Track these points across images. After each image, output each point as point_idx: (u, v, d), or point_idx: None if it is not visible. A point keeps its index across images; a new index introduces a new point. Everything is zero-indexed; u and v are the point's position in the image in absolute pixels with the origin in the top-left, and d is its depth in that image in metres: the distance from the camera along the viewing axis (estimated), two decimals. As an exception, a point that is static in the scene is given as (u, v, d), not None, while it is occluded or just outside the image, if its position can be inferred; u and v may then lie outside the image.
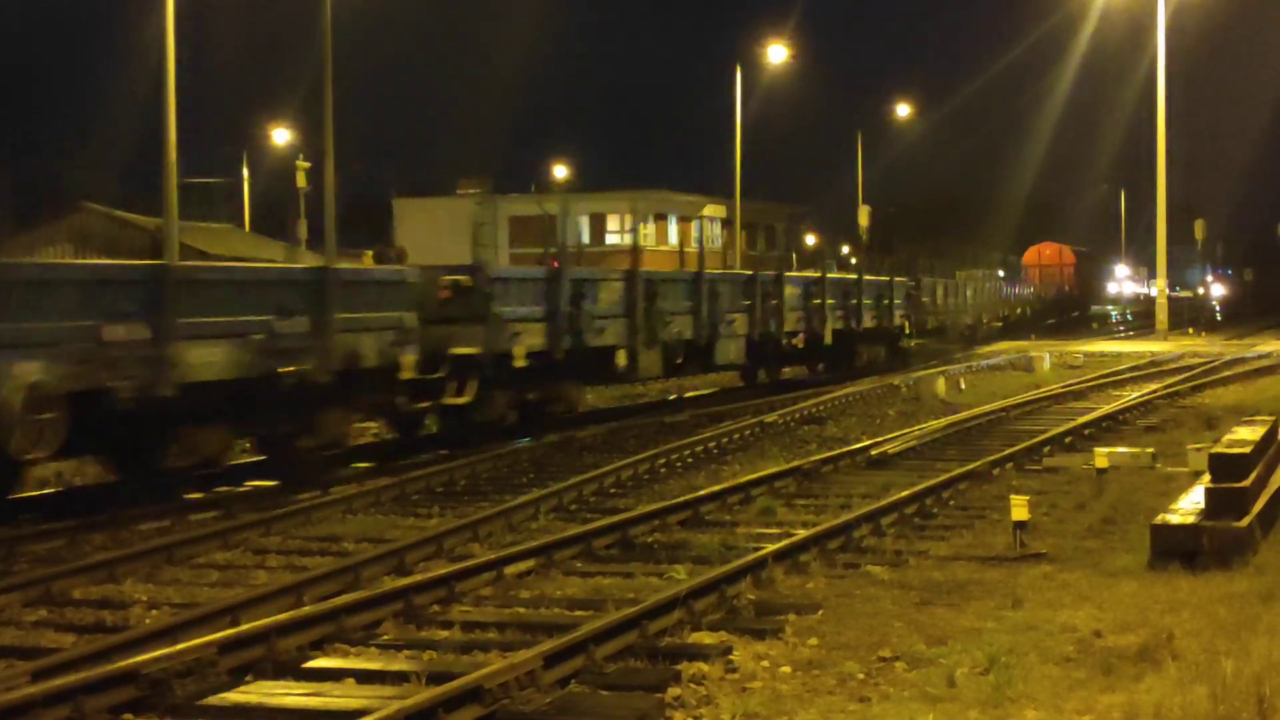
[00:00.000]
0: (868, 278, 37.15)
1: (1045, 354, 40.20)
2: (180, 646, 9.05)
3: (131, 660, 8.77)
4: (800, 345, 32.36)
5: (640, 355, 24.13)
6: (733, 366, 31.02)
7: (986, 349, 47.76)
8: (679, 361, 27.04)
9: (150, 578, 12.48)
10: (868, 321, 35.52)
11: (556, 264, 24.03)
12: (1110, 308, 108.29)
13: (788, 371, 35.04)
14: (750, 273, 29.36)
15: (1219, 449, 13.60)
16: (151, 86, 34.80)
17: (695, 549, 13.05)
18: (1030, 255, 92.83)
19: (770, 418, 24.06)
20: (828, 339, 32.27)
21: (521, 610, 10.93)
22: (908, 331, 40.02)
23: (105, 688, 8.42)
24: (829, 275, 32.87)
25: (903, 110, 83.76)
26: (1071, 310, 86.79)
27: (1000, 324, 59.60)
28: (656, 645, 9.59)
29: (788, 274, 31.44)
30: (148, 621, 10.59)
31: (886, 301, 37.27)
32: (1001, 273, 78.37)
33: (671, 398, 30.77)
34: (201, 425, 16.66)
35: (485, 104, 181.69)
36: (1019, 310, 68.78)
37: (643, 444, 21.32)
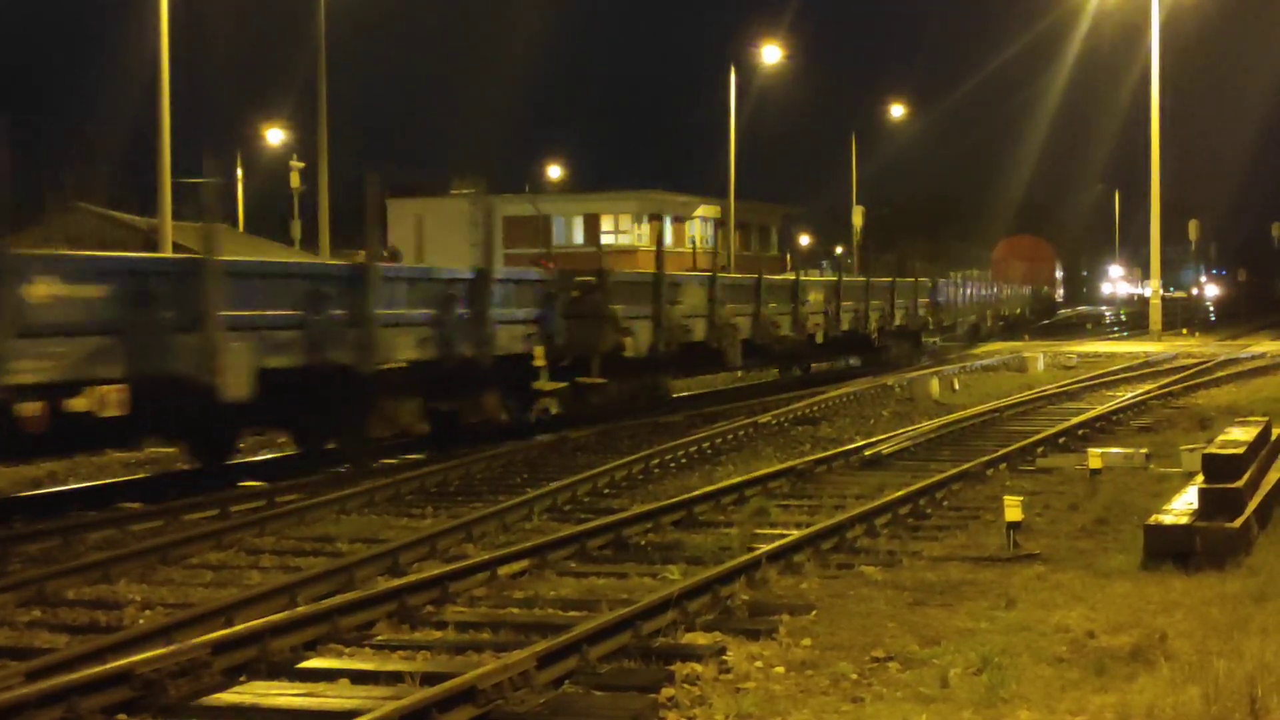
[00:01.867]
0: (392, 265, 22.87)
1: (1039, 355, 40.31)
2: (174, 647, 9.04)
3: (126, 661, 8.76)
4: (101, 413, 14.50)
5: None
6: None
7: (981, 349, 47.77)
8: None
9: (144, 578, 12.47)
10: (408, 350, 18.92)
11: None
12: (1104, 308, 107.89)
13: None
14: None
15: (1212, 449, 13.62)
16: (146, 87, 34.94)
17: (689, 549, 13.06)
18: (1001, 250, 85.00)
19: (764, 418, 24.07)
20: (238, 389, 15.75)
21: (515, 611, 10.93)
22: (540, 363, 21.85)
23: (99, 688, 8.41)
24: (265, 260, 18.09)
25: (897, 111, 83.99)
26: (1044, 316, 79.29)
27: (935, 339, 47.55)
28: (650, 646, 9.59)
29: (72, 254, 16.26)
30: (142, 622, 10.58)
31: (474, 311, 20.22)
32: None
33: None
34: None
35: (480, 105, 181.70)
36: (973, 318, 53.88)
37: (636, 444, 21.34)
